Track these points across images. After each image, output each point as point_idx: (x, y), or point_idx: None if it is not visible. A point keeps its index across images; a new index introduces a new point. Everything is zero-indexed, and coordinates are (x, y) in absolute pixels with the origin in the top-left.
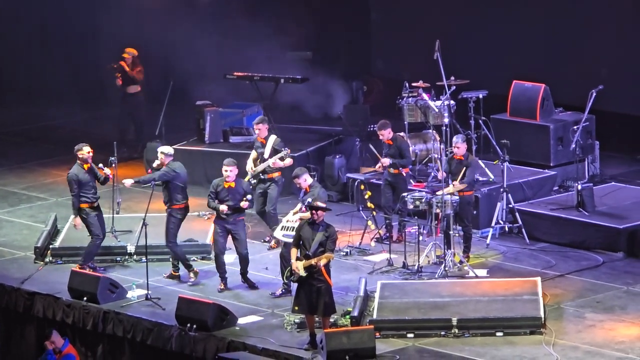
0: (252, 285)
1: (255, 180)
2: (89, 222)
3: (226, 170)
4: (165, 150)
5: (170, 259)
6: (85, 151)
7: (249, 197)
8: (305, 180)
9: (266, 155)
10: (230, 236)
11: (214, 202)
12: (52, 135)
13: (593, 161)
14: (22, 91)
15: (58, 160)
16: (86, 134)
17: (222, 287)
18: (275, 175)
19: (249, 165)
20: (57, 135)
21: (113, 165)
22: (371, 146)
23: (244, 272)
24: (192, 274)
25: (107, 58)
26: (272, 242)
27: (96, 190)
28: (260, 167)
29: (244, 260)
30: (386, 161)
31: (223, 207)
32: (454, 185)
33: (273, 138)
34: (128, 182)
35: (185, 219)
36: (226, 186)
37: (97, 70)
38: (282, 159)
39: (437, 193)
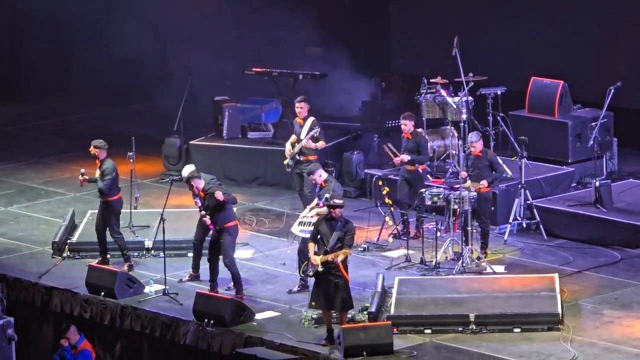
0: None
1: (292, 162)
2: None
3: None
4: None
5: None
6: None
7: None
8: (320, 175)
9: (302, 136)
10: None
11: None
12: (70, 130)
13: (611, 158)
14: (41, 86)
15: (76, 155)
16: (104, 129)
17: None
18: (312, 158)
19: (287, 147)
20: (76, 130)
21: (131, 160)
22: (389, 144)
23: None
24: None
25: (126, 53)
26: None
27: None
28: (297, 148)
29: None
30: (405, 158)
31: None
32: (481, 183)
33: (311, 120)
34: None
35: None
36: None
37: (116, 66)
38: (314, 139)
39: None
